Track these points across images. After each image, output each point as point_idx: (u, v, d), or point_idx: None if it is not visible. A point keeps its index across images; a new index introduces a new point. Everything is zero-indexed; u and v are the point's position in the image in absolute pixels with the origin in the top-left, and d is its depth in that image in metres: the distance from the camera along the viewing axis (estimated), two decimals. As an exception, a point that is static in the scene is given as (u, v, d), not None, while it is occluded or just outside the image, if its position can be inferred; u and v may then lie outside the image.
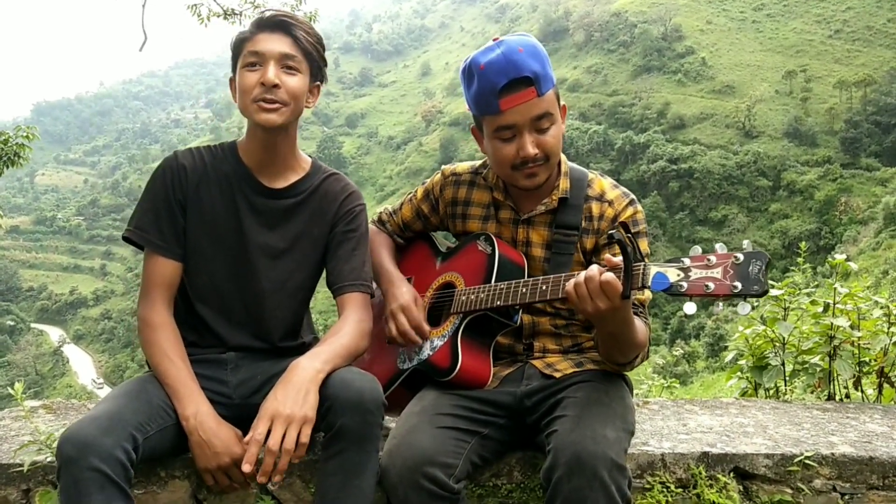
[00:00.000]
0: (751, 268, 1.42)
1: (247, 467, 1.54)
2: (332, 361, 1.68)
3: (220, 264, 1.89)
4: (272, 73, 1.77)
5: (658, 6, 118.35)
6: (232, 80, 1.90)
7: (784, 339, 2.77)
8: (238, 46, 1.85)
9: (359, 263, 1.91)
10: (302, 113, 1.88)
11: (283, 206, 1.91)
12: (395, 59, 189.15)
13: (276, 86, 1.77)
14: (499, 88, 1.76)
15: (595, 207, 1.93)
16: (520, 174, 1.85)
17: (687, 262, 1.49)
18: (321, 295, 2.22)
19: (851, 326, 2.67)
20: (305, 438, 1.56)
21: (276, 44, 1.80)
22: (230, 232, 1.88)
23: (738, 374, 3.03)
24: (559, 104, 1.87)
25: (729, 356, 3.22)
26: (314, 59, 1.87)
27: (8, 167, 9.34)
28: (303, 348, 1.96)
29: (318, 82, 1.93)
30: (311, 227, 1.93)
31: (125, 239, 1.88)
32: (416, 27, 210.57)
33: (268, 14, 1.84)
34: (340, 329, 1.78)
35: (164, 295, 1.83)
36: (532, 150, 1.81)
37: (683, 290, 1.47)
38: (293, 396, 1.57)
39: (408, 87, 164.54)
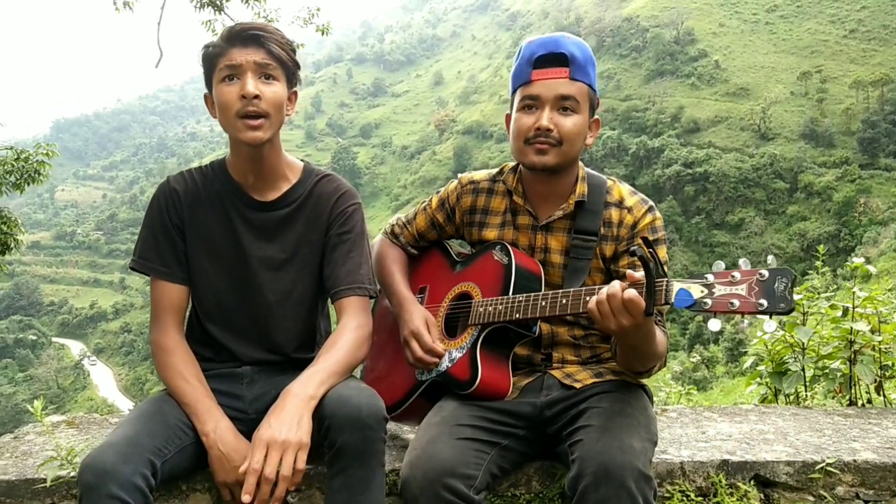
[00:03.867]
0: (776, 285, 1.40)
1: (246, 497, 1.52)
2: (327, 382, 1.66)
3: (224, 282, 1.90)
4: (251, 84, 1.75)
5: (670, 10, 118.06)
6: (207, 97, 1.88)
7: (804, 344, 2.75)
8: (210, 62, 1.81)
9: (355, 266, 1.88)
10: (283, 122, 1.86)
11: (278, 216, 1.91)
12: (408, 69, 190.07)
13: (256, 97, 1.76)
14: (535, 58, 1.87)
15: (614, 214, 1.94)
16: (531, 149, 1.88)
17: (710, 278, 1.48)
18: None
19: (872, 331, 2.64)
20: (301, 464, 1.55)
21: (250, 55, 1.77)
22: (229, 249, 1.89)
23: (758, 379, 3.00)
24: (591, 108, 1.92)
25: (748, 362, 3.19)
26: (289, 66, 1.84)
27: (29, 184, 9.48)
28: None
29: (295, 89, 1.91)
30: (308, 233, 1.92)
31: (131, 268, 1.91)
32: (428, 37, 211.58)
33: (237, 27, 1.81)
34: (336, 341, 1.77)
35: (174, 319, 1.86)
36: (547, 122, 1.85)
37: (708, 307, 1.46)
38: (287, 423, 1.56)
39: (420, 96, 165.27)
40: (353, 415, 1.57)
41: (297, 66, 1.88)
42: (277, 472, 1.52)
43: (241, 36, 1.79)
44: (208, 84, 1.85)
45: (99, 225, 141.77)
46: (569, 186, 1.96)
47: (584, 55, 1.89)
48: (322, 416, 1.60)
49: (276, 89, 1.80)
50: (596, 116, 1.95)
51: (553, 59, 1.86)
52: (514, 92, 1.95)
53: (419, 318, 1.94)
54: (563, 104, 1.86)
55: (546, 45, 1.87)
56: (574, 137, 1.87)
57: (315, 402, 1.62)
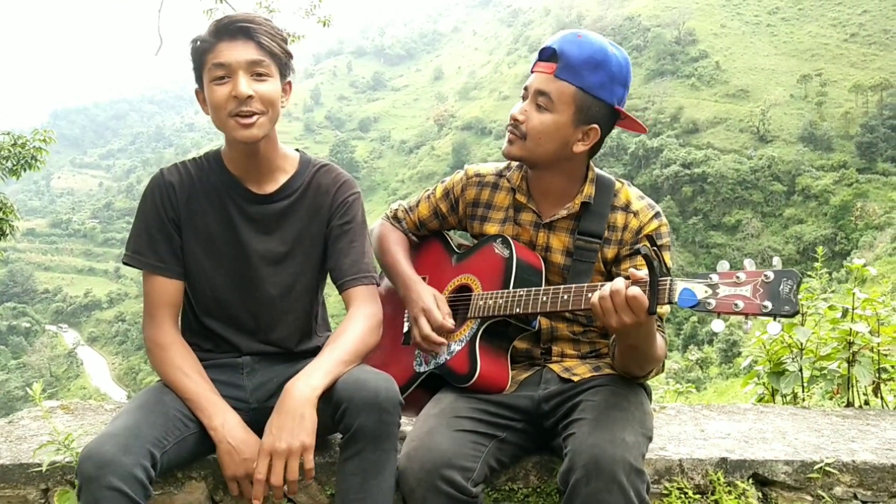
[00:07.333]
0: (781, 287, 1.39)
1: (256, 502, 1.57)
2: (334, 371, 1.65)
3: (222, 277, 1.86)
4: (244, 85, 1.69)
5: (671, 10, 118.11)
6: (198, 92, 1.82)
7: (802, 344, 2.74)
8: (199, 58, 1.74)
9: (359, 255, 1.86)
10: (279, 116, 1.81)
11: (277, 209, 1.87)
12: (408, 64, 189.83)
13: (249, 97, 1.70)
14: (539, 50, 1.89)
15: (620, 217, 1.91)
16: (507, 135, 1.92)
17: (715, 278, 1.46)
18: (333, 298, 2.21)
19: (871, 332, 2.64)
20: (309, 464, 1.57)
21: (241, 52, 1.70)
22: (228, 244, 1.85)
23: (755, 379, 3.00)
24: (584, 115, 1.83)
25: (745, 362, 3.19)
26: (281, 59, 1.78)
27: (25, 170, 9.45)
28: (318, 351, 1.95)
29: (289, 79, 1.86)
30: (308, 225, 1.89)
31: (124, 263, 1.86)
32: (429, 31, 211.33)
33: (224, 20, 1.73)
34: (345, 330, 1.76)
35: (169, 314, 1.82)
36: (517, 112, 1.88)
37: (711, 307, 1.44)
38: (288, 426, 1.56)
39: (420, 91, 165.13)
40: (369, 398, 1.58)
41: (290, 55, 1.82)
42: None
43: (229, 29, 1.72)
44: (199, 80, 1.79)
45: (95, 213, 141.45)
46: (573, 186, 1.94)
47: (584, 57, 1.80)
48: (338, 400, 1.60)
49: (269, 86, 1.74)
50: (593, 125, 1.85)
51: (546, 53, 1.86)
52: None
53: (429, 296, 1.92)
54: (538, 100, 1.85)
55: (553, 39, 1.87)
56: (538, 135, 1.84)
57: (319, 392, 1.61)
